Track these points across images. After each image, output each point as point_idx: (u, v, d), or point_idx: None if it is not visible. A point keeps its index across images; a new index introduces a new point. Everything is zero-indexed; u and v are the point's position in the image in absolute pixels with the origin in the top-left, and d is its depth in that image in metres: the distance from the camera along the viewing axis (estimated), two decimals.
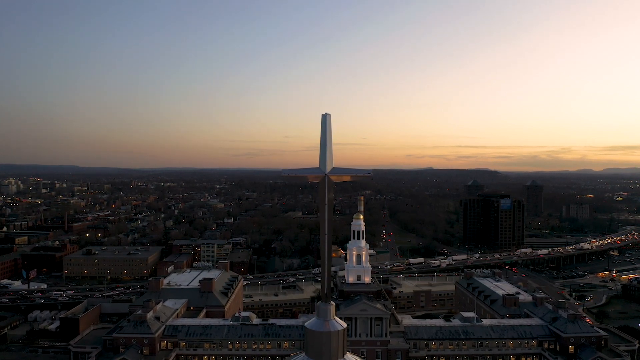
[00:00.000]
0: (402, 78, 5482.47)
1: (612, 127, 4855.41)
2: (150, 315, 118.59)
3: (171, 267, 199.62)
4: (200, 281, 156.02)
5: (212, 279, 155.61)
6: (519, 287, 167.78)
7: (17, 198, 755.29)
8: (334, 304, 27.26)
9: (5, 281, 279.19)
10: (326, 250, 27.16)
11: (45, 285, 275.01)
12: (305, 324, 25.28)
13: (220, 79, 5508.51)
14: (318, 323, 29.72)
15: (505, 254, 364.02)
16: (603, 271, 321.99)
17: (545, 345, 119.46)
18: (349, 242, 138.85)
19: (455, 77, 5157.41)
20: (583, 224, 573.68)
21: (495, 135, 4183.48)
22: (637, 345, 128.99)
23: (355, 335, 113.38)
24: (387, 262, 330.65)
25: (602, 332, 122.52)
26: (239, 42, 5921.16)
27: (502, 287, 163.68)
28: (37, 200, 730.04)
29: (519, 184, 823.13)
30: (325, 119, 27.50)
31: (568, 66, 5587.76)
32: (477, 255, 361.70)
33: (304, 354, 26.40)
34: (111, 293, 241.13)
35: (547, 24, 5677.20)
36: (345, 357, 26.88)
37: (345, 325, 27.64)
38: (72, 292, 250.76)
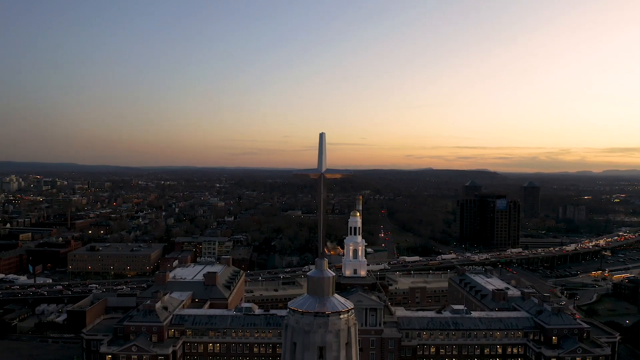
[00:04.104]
0: (402, 79, 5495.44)
1: (611, 128, 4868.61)
2: (158, 305, 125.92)
3: (176, 262, 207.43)
4: (204, 275, 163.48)
5: (215, 272, 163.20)
6: (508, 283, 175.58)
7: (19, 195, 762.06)
8: (326, 259, 37.08)
9: (11, 276, 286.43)
10: (321, 221, 39.96)
11: (51, 280, 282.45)
12: (307, 273, 38.27)
13: (221, 79, 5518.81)
14: (316, 272, 45.24)
15: (498, 254, 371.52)
16: (596, 271, 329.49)
17: (530, 336, 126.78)
18: (346, 237, 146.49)
19: (455, 78, 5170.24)
20: (579, 225, 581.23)
21: (494, 136, 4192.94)
22: (618, 337, 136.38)
23: None
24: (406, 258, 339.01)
25: (585, 325, 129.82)
26: (241, 43, 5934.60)
27: (493, 283, 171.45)
28: (38, 198, 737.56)
29: (518, 185, 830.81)
30: (322, 137, 41.36)
31: (568, 68, 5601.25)
32: (468, 254, 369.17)
33: (306, 294, 39.89)
34: (144, 285, 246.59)
35: (547, 27, 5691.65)
36: (335, 296, 40.93)
37: (333, 274, 41.40)
38: (97, 285, 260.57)
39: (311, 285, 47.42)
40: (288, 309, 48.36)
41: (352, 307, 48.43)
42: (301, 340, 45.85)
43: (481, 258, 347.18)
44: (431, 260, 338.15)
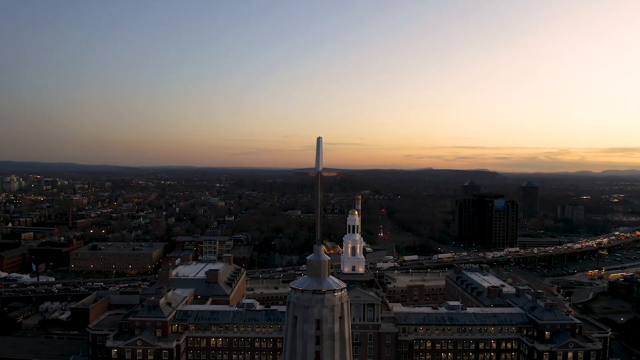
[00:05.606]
0: (401, 78, 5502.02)
1: (611, 129, 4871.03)
2: (162, 301, 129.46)
3: (178, 260, 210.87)
4: (206, 272, 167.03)
5: (217, 270, 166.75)
6: (504, 281, 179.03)
7: (20, 195, 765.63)
8: (323, 246, 43.24)
9: (14, 274, 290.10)
10: (319, 213, 50.64)
11: (54, 279, 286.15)
12: (307, 257, 48.16)
13: (221, 78, 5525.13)
14: (314, 256, 55.89)
15: (496, 253, 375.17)
16: (593, 270, 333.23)
17: (524, 331, 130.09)
18: (345, 235, 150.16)
19: (455, 78, 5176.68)
20: (577, 224, 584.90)
21: (494, 137, 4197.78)
22: (609, 333, 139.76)
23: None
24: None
25: (577, 321, 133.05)
26: (240, 42, 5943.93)
27: (488, 280, 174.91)
28: (39, 197, 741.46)
29: (517, 185, 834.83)
30: (319, 140, 49.41)
31: (567, 68, 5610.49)
32: (465, 253, 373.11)
33: (306, 275, 49.05)
34: (146, 284, 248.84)
35: (547, 26, 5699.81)
36: (330, 277, 49.77)
37: (329, 258, 49.97)
38: (102, 283, 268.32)
39: (310, 267, 56.34)
40: (290, 288, 57.31)
41: (345, 286, 56.53)
42: (301, 314, 54.70)
43: (479, 257, 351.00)
44: (438, 258, 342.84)
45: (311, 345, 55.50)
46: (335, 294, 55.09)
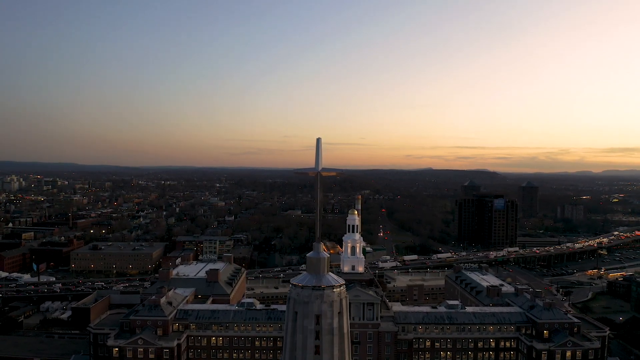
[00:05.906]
0: (401, 78, 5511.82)
1: (611, 129, 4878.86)
2: (163, 300, 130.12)
3: (179, 260, 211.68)
4: (207, 272, 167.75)
5: (217, 269, 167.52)
6: (503, 280, 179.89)
7: (20, 195, 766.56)
8: (322, 243, 44.60)
9: (15, 274, 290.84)
10: (319, 211, 54.85)
11: (54, 279, 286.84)
12: (307, 255, 49.94)
13: (221, 78, 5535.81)
14: (314, 254, 58.30)
15: (496, 252, 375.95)
16: (592, 269, 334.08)
17: (523, 330, 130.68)
18: (345, 235, 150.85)
19: (455, 78, 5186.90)
20: (577, 224, 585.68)
21: (494, 137, 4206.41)
22: (608, 332, 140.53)
23: (349, 319, 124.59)
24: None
25: (575, 319, 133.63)
26: (240, 42, 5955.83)
27: (488, 280, 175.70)
28: (39, 197, 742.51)
29: (517, 185, 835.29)
30: (319, 141, 53.40)
31: (567, 68, 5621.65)
32: (464, 253, 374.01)
33: (306, 272, 50.91)
34: (146, 285, 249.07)
35: (547, 26, 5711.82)
36: (329, 273, 51.64)
37: (328, 255, 51.69)
38: (102, 283, 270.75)
39: (309, 264, 58.83)
40: (291, 285, 59.29)
41: (344, 282, 58.14)
42: (301, 309, 56.80)
43: (478, 257, 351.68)
44: (438, 258, 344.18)
45: (311, 340, 57.16)
46: (334, 290, 56.99)
